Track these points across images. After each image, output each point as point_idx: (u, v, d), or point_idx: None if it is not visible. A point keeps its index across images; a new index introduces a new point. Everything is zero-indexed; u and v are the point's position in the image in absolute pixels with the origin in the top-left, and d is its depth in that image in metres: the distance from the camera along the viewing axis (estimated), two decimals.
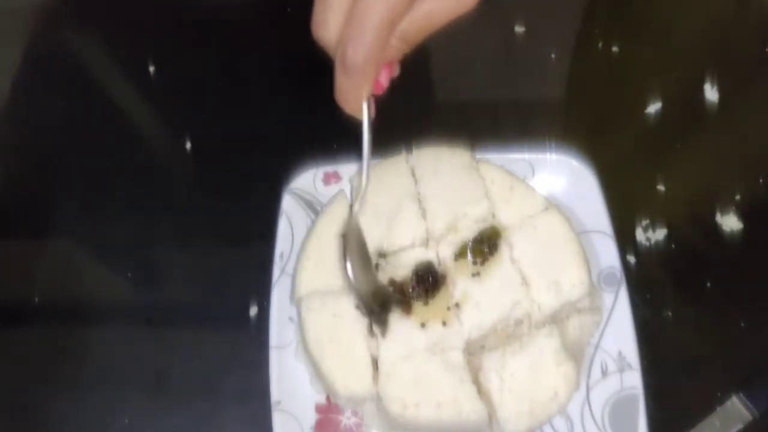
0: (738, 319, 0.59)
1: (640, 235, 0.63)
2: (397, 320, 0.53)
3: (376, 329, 0.53)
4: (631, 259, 0.61)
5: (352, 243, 0.52)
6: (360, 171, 0.61)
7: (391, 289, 0.54)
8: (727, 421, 0.54)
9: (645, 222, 0.63)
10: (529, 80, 0.74)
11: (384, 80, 0.45)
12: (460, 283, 0.54)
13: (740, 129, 0.68)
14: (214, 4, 0.79)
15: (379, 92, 0.45)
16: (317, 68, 0.78)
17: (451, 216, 0.57)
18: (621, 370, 0.54)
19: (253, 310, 0.61)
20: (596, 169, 0.61)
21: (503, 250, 0.55)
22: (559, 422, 0.53)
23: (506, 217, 0.57)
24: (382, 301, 0.53)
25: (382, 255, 0.56)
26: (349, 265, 0.51)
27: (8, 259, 0.67)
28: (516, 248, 0.55)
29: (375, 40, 0.40)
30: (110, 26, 0.77)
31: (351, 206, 0.59)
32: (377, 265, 0.55)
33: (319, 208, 0.61)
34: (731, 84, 0.68)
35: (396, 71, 0.46)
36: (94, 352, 0.60)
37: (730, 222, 0.63)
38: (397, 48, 0.42)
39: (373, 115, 0.46)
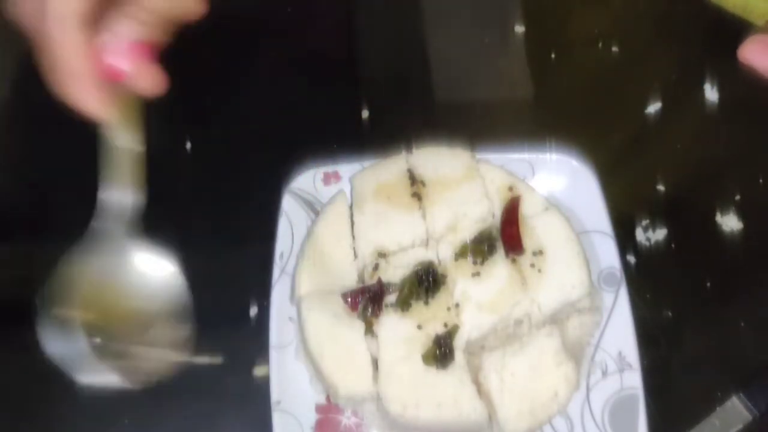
0: (738, 319, 0.59)
1: (640, 235, 0.63)
2: (397, 320, 0.53)
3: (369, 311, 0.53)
4: (631, 259, 0.61)
5: None
6: (360, 171, 0.61)
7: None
8: (727, 421, 0.54)
9: (645, 222, 0.63)
10: (529, 80, 0.74)
11: (121, 59, 0.38)
12: (460, 283, 0.54)
13: (740, 128, 0.68)
14: (213, 4, 0.78)
15: (116, 79, 0.39)
16: (317, 68, 0.78)
17: (451, 216, 0.57)
18: (621, 370, 0.54)
19: (253, 310, 0.60)
20: (596, 169, 0.61)
21: (503, 250, 0.55)
22: (559, 422, 0.53)
23: None
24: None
25: (382, 255, 0.56)
26: None
27: (8, 259, 0.67)
28: None
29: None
30: None
31: (350, 207, 0.59)
32: (377, 265, 0.55)
33: (319, 208, 0.61)
34: (731, 84, 0.68)
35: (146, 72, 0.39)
36: None
37: (730, 222, 0.63)
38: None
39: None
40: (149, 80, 0.40)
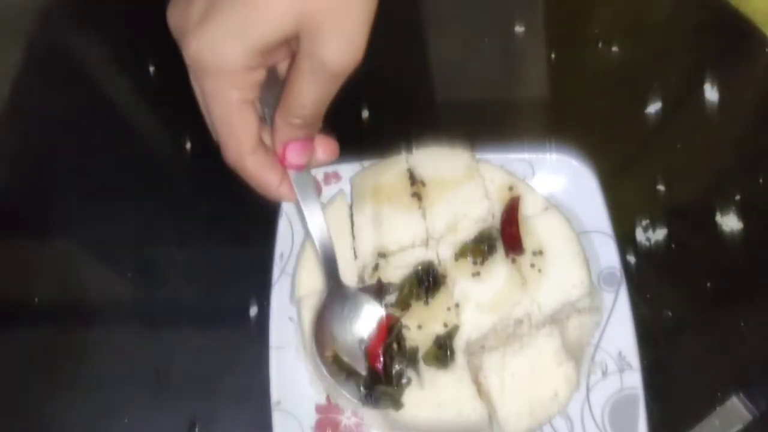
0: (738, 319, 0.59)
1: (640, 235, 0.63)
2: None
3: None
4: (631, 259, 0.61)
5: None
6: (360, 171, 0.61)
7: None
8: (727, 421, 0.54)
9: (645, 222, 0.63)
10: (529, 80, 0.74)
11: (294, 158, 0.41)
12: (460, 283, 0.54)
13: (740, 129, 0.68)
14: None
15: (297, 168, 0.41)
16: None
17: (451, 216, 0.57)
18: (621, 370, 0.54)
19: (253, 310, 0.60)
20: (596, 169, 0.61)
21: (503, 250, 0.55)
22: (559, 422, 0.53)
23: None
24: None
25: (382, 255, 0.56)
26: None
27: (8, 259, 0.67)
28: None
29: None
30: (110, 26, 0.77)
31: (350, 207, 0.59)
32: (377, 265, 0.55)
33: None
34: (731, 84, 0.68)
35: (319, 148, 0.41)
36: (94, 352, 0.60)
37: (730, 222, 0.63)
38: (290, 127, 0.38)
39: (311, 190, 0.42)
40: (325, 155, 0.41)
